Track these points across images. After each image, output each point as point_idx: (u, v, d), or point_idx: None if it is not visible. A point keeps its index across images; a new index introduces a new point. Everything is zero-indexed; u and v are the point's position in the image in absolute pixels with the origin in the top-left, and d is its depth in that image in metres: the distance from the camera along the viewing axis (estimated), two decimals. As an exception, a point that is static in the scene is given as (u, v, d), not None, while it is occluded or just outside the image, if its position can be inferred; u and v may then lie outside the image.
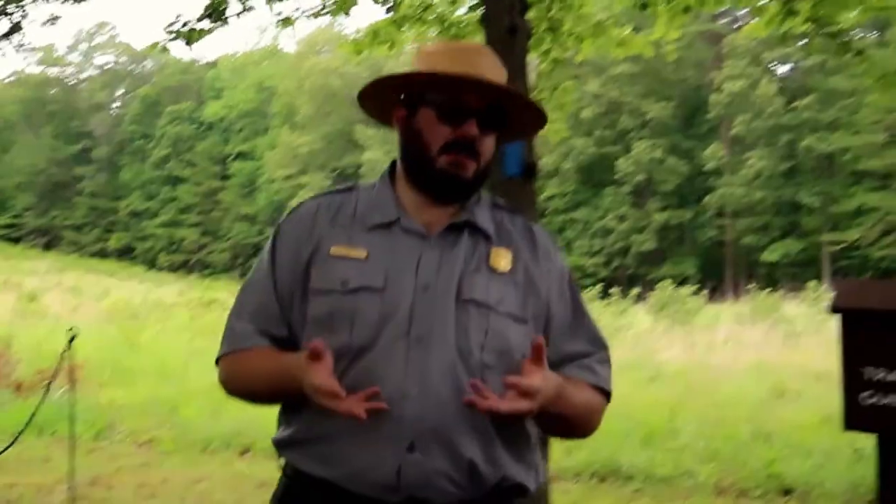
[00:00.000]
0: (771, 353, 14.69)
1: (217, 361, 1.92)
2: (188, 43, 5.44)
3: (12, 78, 77.25)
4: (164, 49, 5.55)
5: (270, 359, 1.82)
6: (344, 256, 1.79)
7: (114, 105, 76.87)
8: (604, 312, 19.02)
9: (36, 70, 76.33)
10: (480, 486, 1.73)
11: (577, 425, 1.85)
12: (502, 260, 1.82)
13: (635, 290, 21.04)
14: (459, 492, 1.71)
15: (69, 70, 77.14)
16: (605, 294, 21.34)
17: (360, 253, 1.78)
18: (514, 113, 1.87)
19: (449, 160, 1.78)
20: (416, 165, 1.83)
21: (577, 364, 1.86)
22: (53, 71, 76.34)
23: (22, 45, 8.11)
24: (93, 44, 76.75)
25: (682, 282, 27.41)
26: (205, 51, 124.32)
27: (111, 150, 71.41)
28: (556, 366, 1.81)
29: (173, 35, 5.49)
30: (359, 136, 56.17)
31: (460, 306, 1.74)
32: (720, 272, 48.24)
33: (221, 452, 8.18)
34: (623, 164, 49.00)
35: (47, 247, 65.81)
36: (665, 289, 21.21)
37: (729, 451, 7.90)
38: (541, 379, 1.67)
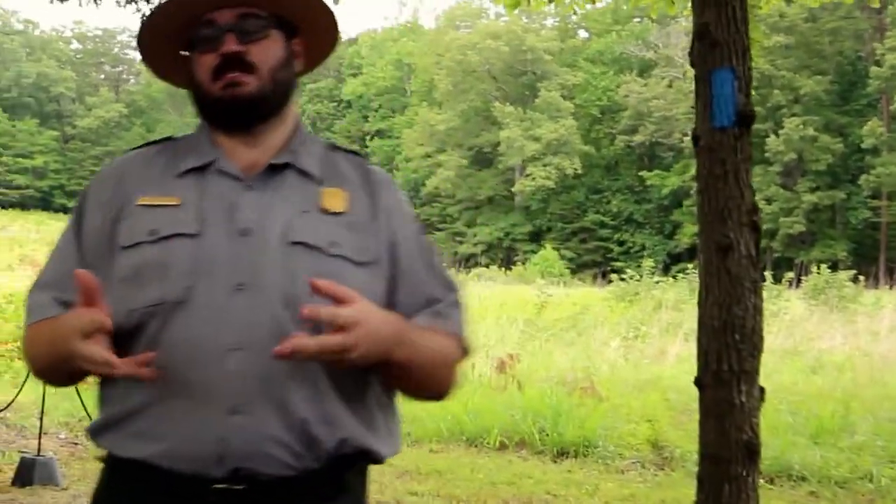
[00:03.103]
0: (945, 344, 13.65)
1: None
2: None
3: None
4: None
5: (50, 326, 1.59)
6: (153, 205, 1.62)
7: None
8: (754, 296, 18.12)
9: (181, 48, 78.90)
10: (316, 451, 1.53)
11: (430, 378, 1.66)
12: (335, 200, 1.65)
13: (789, 275, 20.02)
14: (293, 460, 1.51)
15: (213, 47, 79.44)
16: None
17: (172, 200, 1.61)
18: (299, 15, 1.72)
19: (221, 84, 1.63)
20: (200, 107, 1.69)
21: (429, 311, 1.67)
22: (198, 49, 78.67)
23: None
24: (236, 21, 78.60)
25: (832, 266, 26.13)
26: (345, 27, 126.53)
27: (253, 128, 73.13)
28: (407, 315, 1.62)
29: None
30: (497, 113, 55.67)
31: (287, 250, 1.57)
32: (873, 256, 45.92)
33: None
34: (773, 142, 46.90)
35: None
36: (820, 274, 20.15)
37: (914, 453, 7.19)
38: (356, 310, 1.46)
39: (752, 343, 2.68)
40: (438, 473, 6.95)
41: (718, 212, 2.68)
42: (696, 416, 9.35)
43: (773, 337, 14.10)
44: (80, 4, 8.08)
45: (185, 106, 73.34)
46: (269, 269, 1.55)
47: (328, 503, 1.58)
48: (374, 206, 1.68)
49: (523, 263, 43.88)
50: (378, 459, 1.63)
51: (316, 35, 1.78)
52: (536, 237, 53.77)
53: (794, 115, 47.69)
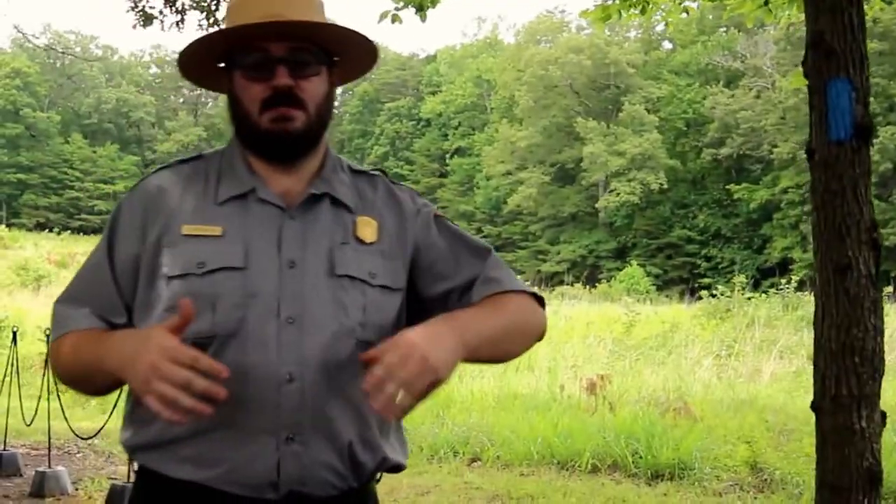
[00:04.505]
0: None
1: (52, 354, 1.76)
2: (420, 10, 4.97)
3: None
4: (395, 17, 5.13)
5: (102, 337, 1.64)
6: (197, 235, 1.65)
7: (334, 104, 79.40)
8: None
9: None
10: (360, 473, 1.67)
11: (509, 344, 1.74)
12: (368, 229, 1.73)
13: (888, 289, 19.35)
14: (341, 482, 1.64)
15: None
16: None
17: (215, 230, 1.66)
18: (339, 47, 1.75)
19: (271, 117, 1.67)
20: (244, 133, 1.72)
21: (478, 284, 1.75)
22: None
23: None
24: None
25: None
26: (423, 44, 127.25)
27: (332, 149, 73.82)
28: (462, 296, 1.74)
29: (403, 3, 5.03)
30: (579, 129, 55.29)
31: (335, 282, 1.65)
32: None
33: (449, 461, 7.90)
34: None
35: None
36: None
37: None
38: (398, 340, 1.51)
39: (872, 366, 2.54)
40: (530, 498, 6.85)
41: (836, 229, 2.55)
42: (795, 437, 9.04)
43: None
44: (163, 29, 8.25)
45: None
46: (319, 303, 1.63)
47: None
48: (402, 230, 1.77)
49: (608, 281, 43.38)
50: (401, 469, 1.77)
51: (352, 68, 1.83)
52: (621, 254, 53.12)
53: (889, 123, 46.34)
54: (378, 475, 1.76)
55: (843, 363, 2.54)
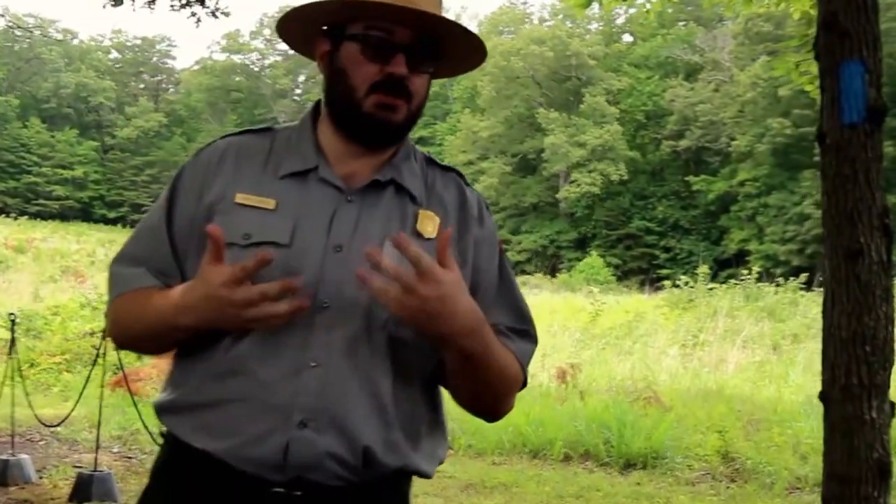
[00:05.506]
0: None
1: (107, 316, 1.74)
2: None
3: (197, 66, 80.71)
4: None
5: (160, 294, 1.61)
6: (250, 205, 1.60)
7: (297, 91, 78.66)
8: (810, 305, 17.71)
9: (221, 57, 79.29)
10: (375, 471, 1.58)
11: (491, 386, 1.63)
12: (430, 224, 1.64)
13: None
14: (351, 475, 1.55)
15: (253, 56, 79.54)
16: (809, 285, 19.94)
17: (268, 203, 1.60)
18: (451, 45, 1.66)
19: (377, 102, 1.59)
20: (341, 109, 1.64)
21: (502, 329, 1.66)
22: (238, 58, 78.85)
23: (216, 11, 7.91)
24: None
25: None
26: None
27: (295, 137, 73.47)
28: None
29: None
30: (541, 120, 55.43)
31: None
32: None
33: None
34: (823, 146, 46.10)
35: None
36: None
37: None
38: (446, 272, 1.45)
39: (883, 355, 2.50)
40: (504, 487, 6.81)
41: (847, 215, 2.50)
42: (764, 427, 9.02)
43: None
44: (134, 10, 8.06)
45: (226, 114, 73.99)
46: (357, 291, 1.52)
47: None
48: (463, 232, 1.68)
49: (568, 271, 43.61)
50: (426, 476, 1.68)
51: (453, 66, 1.76)
52: (581, 244, 53.41)
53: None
54: (407, 478, 1.69)
55: (854, 352, 2.49)
